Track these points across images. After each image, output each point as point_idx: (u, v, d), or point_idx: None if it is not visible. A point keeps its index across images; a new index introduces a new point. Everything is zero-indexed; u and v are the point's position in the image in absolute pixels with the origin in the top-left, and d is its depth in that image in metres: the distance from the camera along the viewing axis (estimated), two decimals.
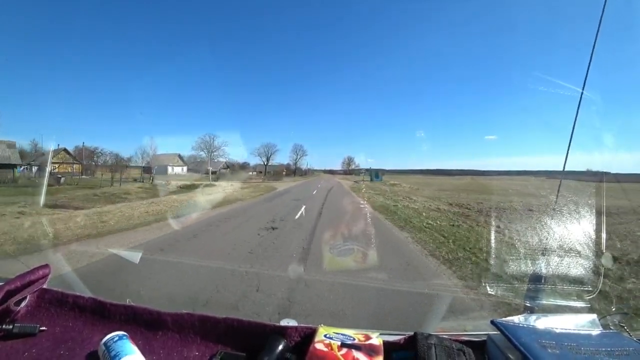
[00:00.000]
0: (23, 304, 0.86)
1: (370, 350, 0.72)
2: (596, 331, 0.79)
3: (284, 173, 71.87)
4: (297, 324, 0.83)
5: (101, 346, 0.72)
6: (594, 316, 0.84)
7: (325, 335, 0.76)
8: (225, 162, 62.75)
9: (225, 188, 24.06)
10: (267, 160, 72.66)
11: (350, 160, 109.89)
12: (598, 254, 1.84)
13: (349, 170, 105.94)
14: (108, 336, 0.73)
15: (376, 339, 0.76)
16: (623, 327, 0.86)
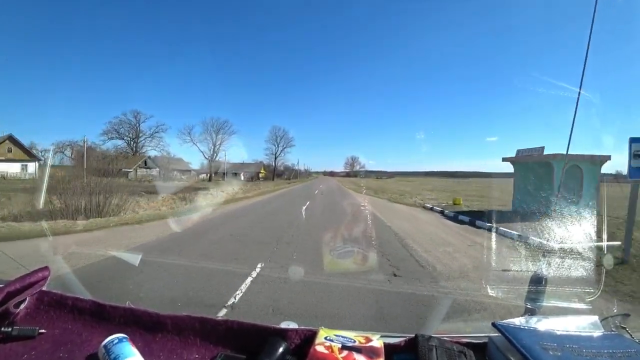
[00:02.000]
0: (22, 306, 0.86)
1: (371, 352, 0.71)
2: (598, 333, 0.79)
3: (260, 176, 47.16)
4: (297, 326, 0.83)
5: (101, 349, 0.72)
6: (595, 318, 0.84)
7: (325, 338, 0.76)
8: (150, 158, 37.46)
9: None
10: (214, 153, 40.88)
11: (354, 160, 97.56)
12: (599, 255, 1.84)
13: (353, 172, 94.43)
14: (108, 339, 0.73)
15: (377, 341, 0.76)
16: (625, 328, 0.85)
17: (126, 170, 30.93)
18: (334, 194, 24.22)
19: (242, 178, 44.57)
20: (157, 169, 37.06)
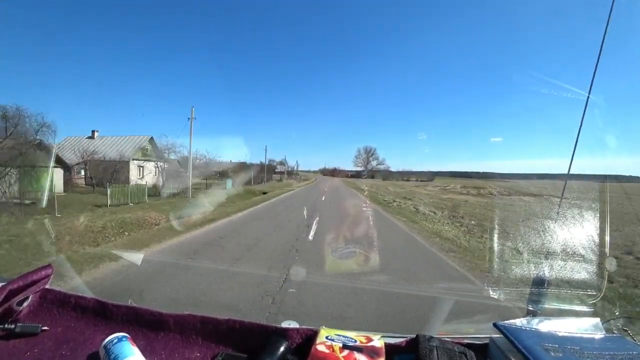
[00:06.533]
0: (25, 303, 0.87)
1: (371, 352, 0.71)
2: (599, 335, 0.79)
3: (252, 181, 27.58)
4: (298, 326, 0.83)
5: (101, 349, 0.72)
6: (597, 320, 0.83)
7: (326, 337, 0.76)
8: None
9: None
10: None
11: (368, 154, 65.79)
12: (601, 257, 1.83)
13: (369, 171, 64.98)
14: (108, 338, 0.73)
15: (378, 341, 0.76)
16: (626, 331, 0.85)
17: None
18: None
19: None
20: None
